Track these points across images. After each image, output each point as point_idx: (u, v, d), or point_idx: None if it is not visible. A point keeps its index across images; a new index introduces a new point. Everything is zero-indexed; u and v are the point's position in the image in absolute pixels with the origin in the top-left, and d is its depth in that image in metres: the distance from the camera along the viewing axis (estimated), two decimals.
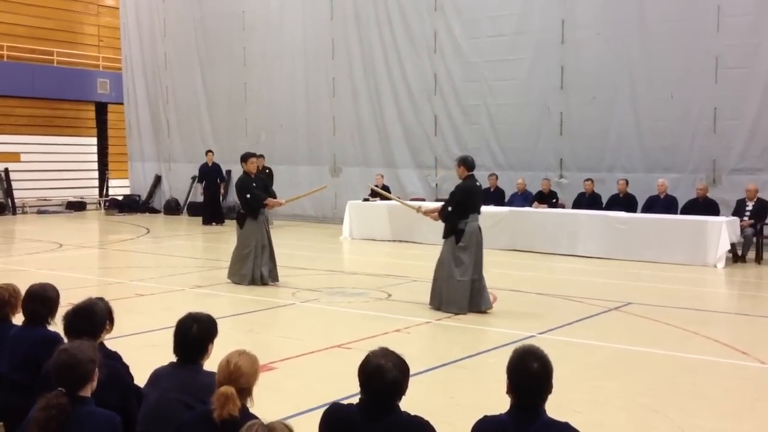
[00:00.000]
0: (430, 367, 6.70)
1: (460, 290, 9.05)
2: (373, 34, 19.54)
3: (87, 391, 3.39)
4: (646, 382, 6.55)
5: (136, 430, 3.75)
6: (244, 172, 11.33)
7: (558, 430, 3.14)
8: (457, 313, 8.97)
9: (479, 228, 9.30)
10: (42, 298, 4.56)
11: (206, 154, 21.08)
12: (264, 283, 11.05)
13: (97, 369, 3.45)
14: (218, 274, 12.04)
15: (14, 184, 23.65)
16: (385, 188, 18.10)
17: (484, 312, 9.14)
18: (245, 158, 11.39)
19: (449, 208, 9.25)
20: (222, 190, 21.17)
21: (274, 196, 11.65)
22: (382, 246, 16.10)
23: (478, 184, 9.54)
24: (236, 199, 21.66)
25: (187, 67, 23.39)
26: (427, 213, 10.00)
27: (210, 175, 20.58)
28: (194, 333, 3.78)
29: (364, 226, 17.12)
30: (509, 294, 10.45)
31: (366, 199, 17.65)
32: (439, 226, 9.54)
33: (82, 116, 26.24)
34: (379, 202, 17.28)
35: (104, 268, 13.75)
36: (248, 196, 11.11)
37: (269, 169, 19.90)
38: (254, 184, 11.24)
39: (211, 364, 3.60)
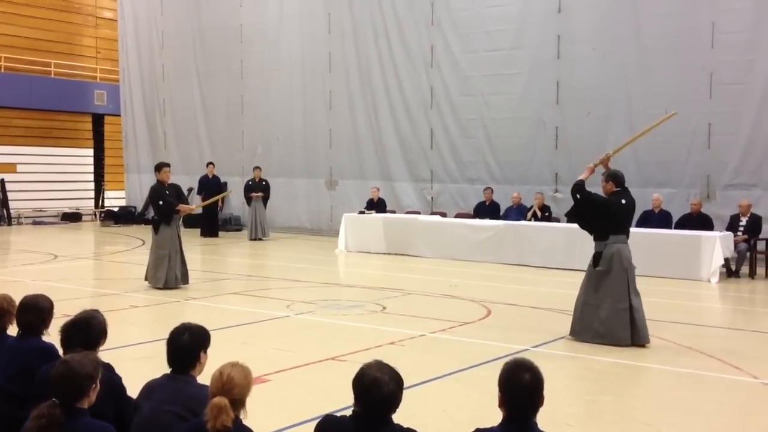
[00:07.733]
0: (424, 380, 6.69)
1: (595, 318, 8.25)
2: (370, 48, 19.63)
3: (83, 404, 3.39)
4: (640, 397, 6.57)
5: None
6: (158, 180, 11.94)
7: None
8: (586, 341, 8.25)
9: (624, 250, 8.32)
10: (35, 309, 4.56)
11: (207, 166, 20.99)
12: (176, 286, 11.59)
13: (95, 385, 3.44)
14: (213, 286, 12.05)
15: (10, 195, 23.63)
16: (381, 201, 18.19)
17: (642, 346, 8.22)
18: (158, 168, 12.04)
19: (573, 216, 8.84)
20: (220, 203, 21.13)
21: (186, 203, 12.38)
22: (378, 259, 16.11)
23: (623, 202, 8.50)
24: (232, 212, 22.08)
25: (185, 79, 23.46)
26: None
27: (210, 187, 20.34)
28: (186, 340, 3.78)
29: (360, 238, 17.14)
30: (504, 307, 10.47)
31: (362, 212, 17.68)
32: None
33: (79, 127, 26.27)
34: (374, 214, 17.31)
35: (99, 280, 13.74)
36: (161, 203, 11.75)
37: (266, 181, 19.93)
38: (167, 192, 11.83)
39: (205, 376, 3.61)
